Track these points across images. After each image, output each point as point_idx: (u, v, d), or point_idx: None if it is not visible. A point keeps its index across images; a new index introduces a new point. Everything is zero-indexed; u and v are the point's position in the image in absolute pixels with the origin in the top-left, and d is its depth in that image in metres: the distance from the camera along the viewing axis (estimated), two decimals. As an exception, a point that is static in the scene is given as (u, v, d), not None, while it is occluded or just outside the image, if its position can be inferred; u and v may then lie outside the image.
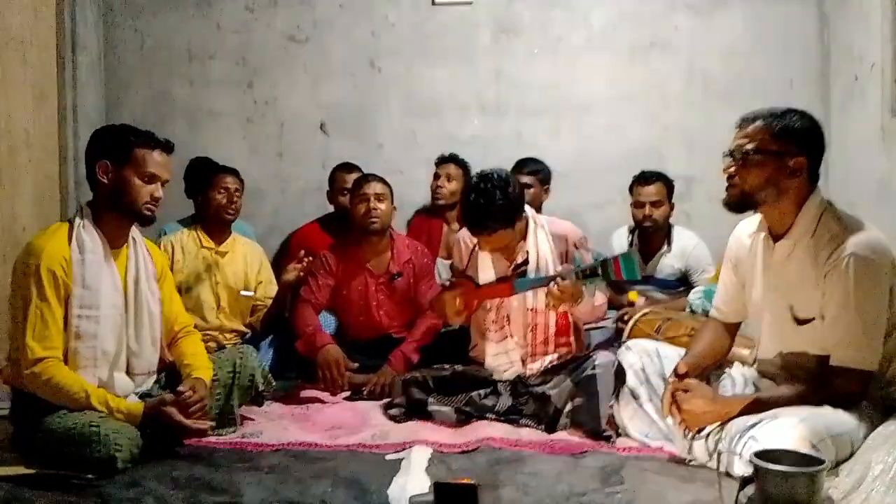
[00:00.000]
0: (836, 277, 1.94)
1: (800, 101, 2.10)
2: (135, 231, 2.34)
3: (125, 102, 4.23)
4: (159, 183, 2.24)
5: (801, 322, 2.03)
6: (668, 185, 3.58)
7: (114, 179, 2.21)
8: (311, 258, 3.10)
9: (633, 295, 3.42)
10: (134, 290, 2.29)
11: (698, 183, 4.08)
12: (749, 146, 2.00)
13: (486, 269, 2.65)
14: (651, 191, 3.53)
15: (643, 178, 3.57)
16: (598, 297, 2.54)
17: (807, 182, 2.02)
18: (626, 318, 3.16)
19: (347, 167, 3.74)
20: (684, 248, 3.58)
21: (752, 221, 2.20)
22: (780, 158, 1.98)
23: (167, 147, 2.29)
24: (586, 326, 2.94)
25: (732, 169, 2.03)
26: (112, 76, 4.24)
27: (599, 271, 2.35)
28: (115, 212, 2.24)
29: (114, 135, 2.27)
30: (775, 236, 2.09)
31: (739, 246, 2.23)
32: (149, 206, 2.23)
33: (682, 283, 3.58)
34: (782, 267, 2.06)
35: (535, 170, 3.72)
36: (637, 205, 3.57)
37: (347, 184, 3.50)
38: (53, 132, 3.78)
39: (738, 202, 2.05)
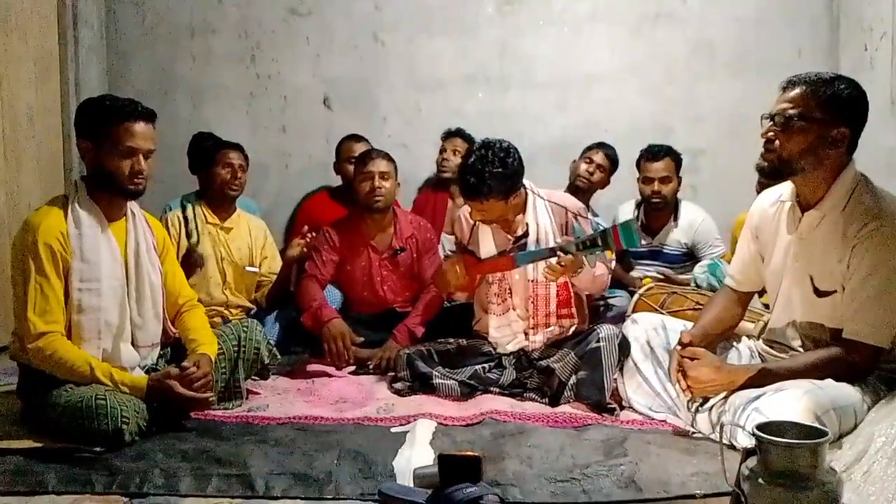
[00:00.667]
0: (864, 251, 1.91)
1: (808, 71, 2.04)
2: (134, 204, 2.33)
3: (127, 78, 4.21)
4: (140, 156, 2.17)
5: (820, 294, 2.00)
6: (677, 159, 3.54)
7: (94, 157, 2.18)
8: (314, 233, 3.10)
9: (647, 281, 3.42)
10: (134, 261, 2.28)
11: (705, 156, 4.05)
12: (792, 111, 1.92)
13: (487, 243, 2.64)
14: (660, 167, 3.49)
15: (651, 154, 3.52)
16: (599, 267, 2.53)
17: (845, 153, 1.96)
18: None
19: (356, 137, 3.74)
20: (691, 222, 3.56)
21: (775, 190, 2.15)
22: (823, 127, 1.91)
23: (147, 116, 2.19)
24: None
25: (771, 134, 1.96)
26: (114, 51, 4.21)
27: (599, 241, 2.34)
28: (104, 187, 2.21)
29: (91, 111, 2.20)
30: (804, 206, 2.03)
31: (762, 214, 2.18)
32: (132, 180, 2.17)
33: (689, 257, 3.57)
34: (807, 237, 2.02)
35: (612, 156, 3.74)
36: (645, 181, 3.53)
37: (354, 153, 3.47)
38: (56, 108, 3.77)
39: (774, 168, 1.98)
